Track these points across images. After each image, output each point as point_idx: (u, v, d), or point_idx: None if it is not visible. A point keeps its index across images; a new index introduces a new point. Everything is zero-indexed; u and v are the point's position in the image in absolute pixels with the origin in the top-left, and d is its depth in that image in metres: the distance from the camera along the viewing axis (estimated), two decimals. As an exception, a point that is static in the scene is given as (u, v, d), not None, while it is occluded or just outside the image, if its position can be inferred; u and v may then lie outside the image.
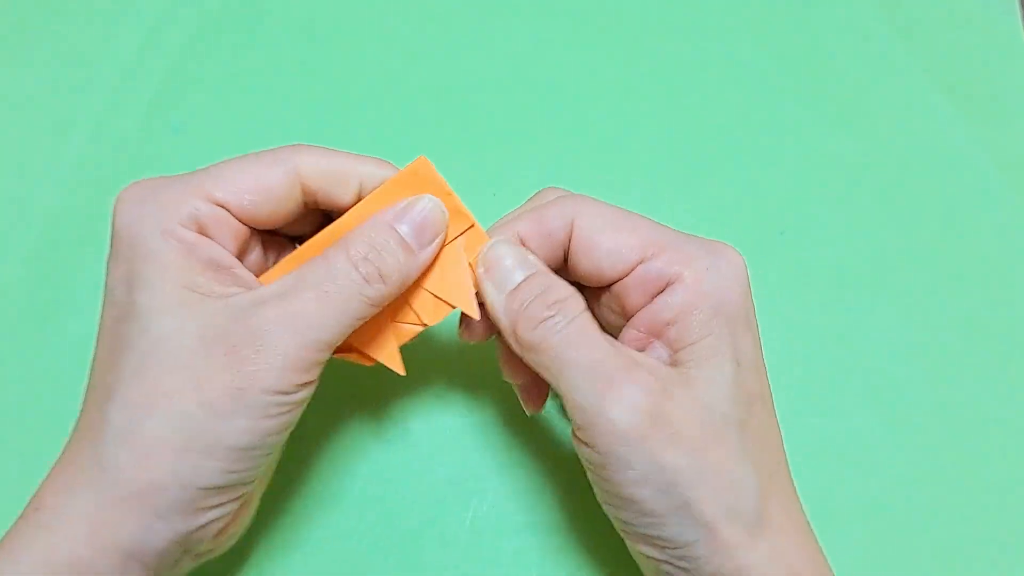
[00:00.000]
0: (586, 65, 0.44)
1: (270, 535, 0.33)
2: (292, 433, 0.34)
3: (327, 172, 0.27)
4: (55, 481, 0.25)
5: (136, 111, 0.42)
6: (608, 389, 0.25)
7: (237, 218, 0.27)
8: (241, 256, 0.28)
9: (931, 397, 0.36)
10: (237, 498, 0.26)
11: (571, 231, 0.28)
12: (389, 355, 0.29)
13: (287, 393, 0.25)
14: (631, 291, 0.27)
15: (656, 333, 0.27)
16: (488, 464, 0.34)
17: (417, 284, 0.28)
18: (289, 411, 0.25)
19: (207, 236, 0.26)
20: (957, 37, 0.44)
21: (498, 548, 0.33)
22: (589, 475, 0.27)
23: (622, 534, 0.27)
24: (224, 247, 0.27)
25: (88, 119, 0.42)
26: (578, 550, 0.33)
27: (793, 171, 0.41)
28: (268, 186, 0.27)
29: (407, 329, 0.29)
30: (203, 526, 0.25)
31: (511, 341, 0.27)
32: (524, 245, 0.28)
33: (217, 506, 0.25)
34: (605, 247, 0.27)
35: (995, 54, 0.44)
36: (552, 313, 0.26)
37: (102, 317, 0.26)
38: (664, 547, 0.25)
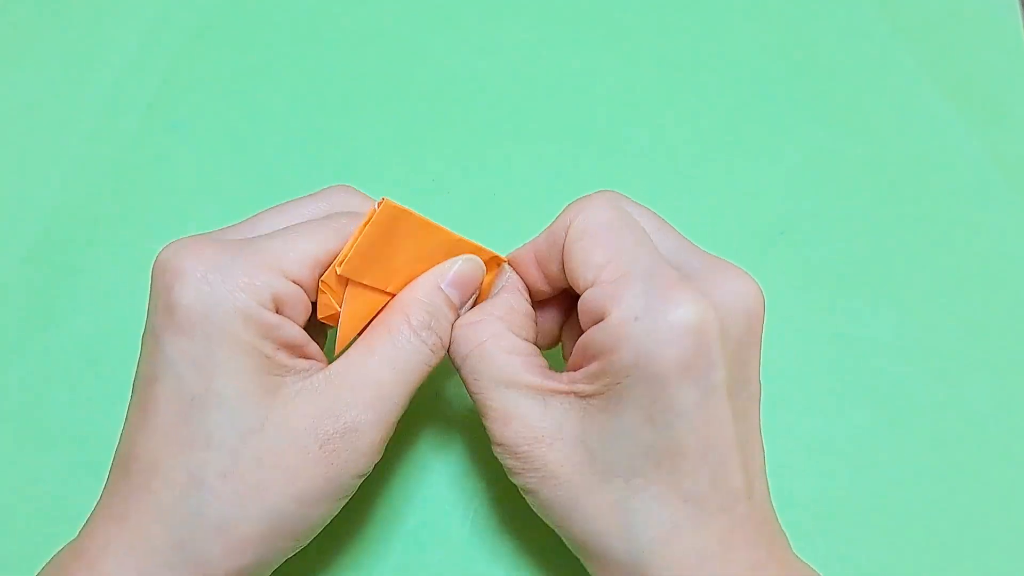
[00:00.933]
0: (586, 65, 0.44)
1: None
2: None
3: None
4: (127, 566, 0.23)
5: (136, 111, 0.42)
6: (501, 426, 0.26)
7: (308, 294, 0.26)
8: (304, 327, 0.27)
9: (931, 397, 0.36)
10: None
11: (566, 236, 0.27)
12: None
13: (365, 475, 0.26)
14: (580, 312, 0.26)
15: (585, 364, 0.26)
16: (488, 464, 0.34)
17: None
18: (359, 485, 0.26)
19: (285, 315, 0.26)
20: (957, 37, 0.44)
21: (498, 548, 0.33)
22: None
23: None
24: (298, 324, 0.26)
25: (88, 119, 0.42)
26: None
27: (793, 171, 0.41)
28: (332, 258, 0.27)
29: None
30: None
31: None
32: (536, 258, 0.29)
33: (271, 571, 0.26)
34: (577, 257, 0.26)
35: (995, 54, 0.44)
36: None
37: (161, 393, 0.24)
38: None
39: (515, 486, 0.31)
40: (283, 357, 0.25)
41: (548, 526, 0.33)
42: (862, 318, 0.37)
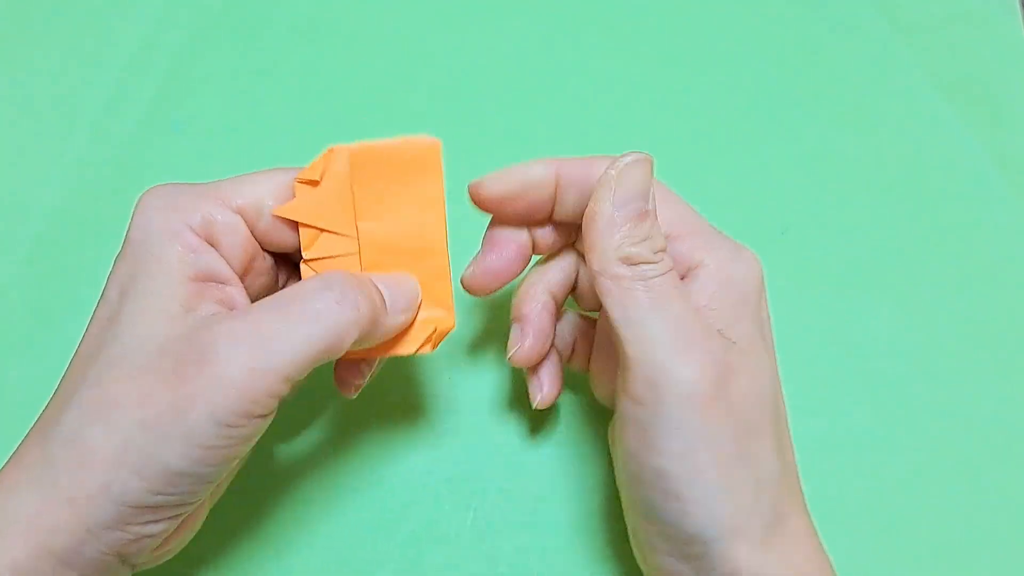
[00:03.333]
0: (586, 64, 0.44)
1: (269, 536, 0.33)
2: (290, 430, 0.35)
3: None
4: (3, 481, 0.23)
5: (136, 111, 0.42)
6: (686, 350, 0.24)
7: (252, 229, 0.26)
8: (245, 274, 0.27)
9: (933, 397, 0.36)
10: (172, 517, 0.24)
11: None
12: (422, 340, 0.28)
13: (231, 426, 0.22)
14: None
15: None
16: (489, 464, 0.34)
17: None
18: (232, 445, 0.23)
19: (216, 245, 0.26)
20: (957, 37, 0.44)
21: (499, 548, 0.33)
22: (624, 444, 0.25)
23: (635, 531, 0.27)
24: (231, 259, 0.26)
25: (88, 119, 0.42)
26: (579, 550, 0.33)
27: (794, 171, 0.41)
28: (287, 195, 0.27)
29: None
30: (135, 541, 0.24)
31: (594, 263, 0.25)
32: (560, 175, 0.28)
33: (150, 523, 0.23)
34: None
35: (995, 54, 0.44)
36: (657, 260, 0.25)
37: (91, 316, 0.26)
38: (680, 553, 0.25)
39: (516, 485, 0.32)
40: (201, 290, 0.25)
41: (548, 526, 0.33)
42: (861, 317, 0.37)
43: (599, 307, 0.28)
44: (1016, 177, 0.41)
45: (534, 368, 0.30)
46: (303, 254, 0.27)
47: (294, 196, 0.27)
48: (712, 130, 0.42)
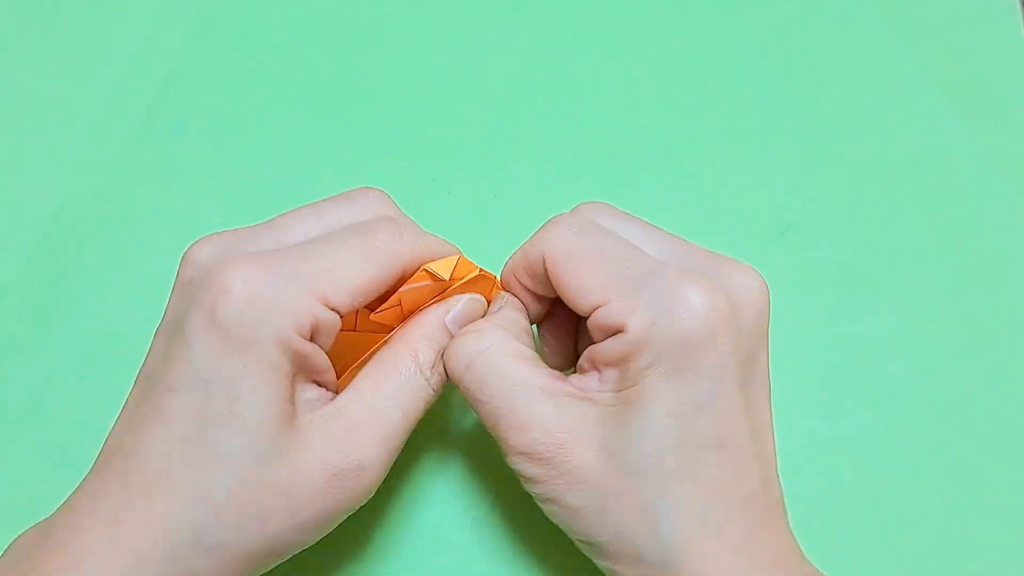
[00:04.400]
0: (586, 64, 0.44)
1: (271, 535, 0.33)
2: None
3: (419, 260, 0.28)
4: (106, 566, 0.23)
5: (136, 111, 0.42)
6: (518, 433, 0.26)
7: (343, 318, 0.27)
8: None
9: (931, 397, 0.36)
10: None
11: (544, 266, 0.28)
12: None
13: (345, 512, 0.26)
14: (591, 331, 0.27)
15: (598, 365, 0.27)
16: (489, 464, 0.34)
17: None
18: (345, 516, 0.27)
19: (316, 341, 0.26)
20: (957, 37, 0.44)
21: (499, 548, 0.33)
22: None
23: None
24: (325, 348, 0.26)
25: (89, 119, 0.42)
26: (579, 551, 0.33)
27: (794, 171, 0.41)
28: (379, 287, 0.27)
29: None
30: None
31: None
32: (519, 281, 0.30)
33: None
34: (571, 286, 0.27)
35: (995, 54, 0.44)
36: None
37: (182, 404, 0.24)
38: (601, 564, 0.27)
39: (520, 493, 0.31)
40: (301, 380, 0.26)
41: (548, 531, 0.33)
42: (862, 318, 0.37)
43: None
44: (1016, 177, 0.41)
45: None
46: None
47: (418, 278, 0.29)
48: (712, 130, 0.42)
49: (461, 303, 0.29)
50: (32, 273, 0.38)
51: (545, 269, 0.27)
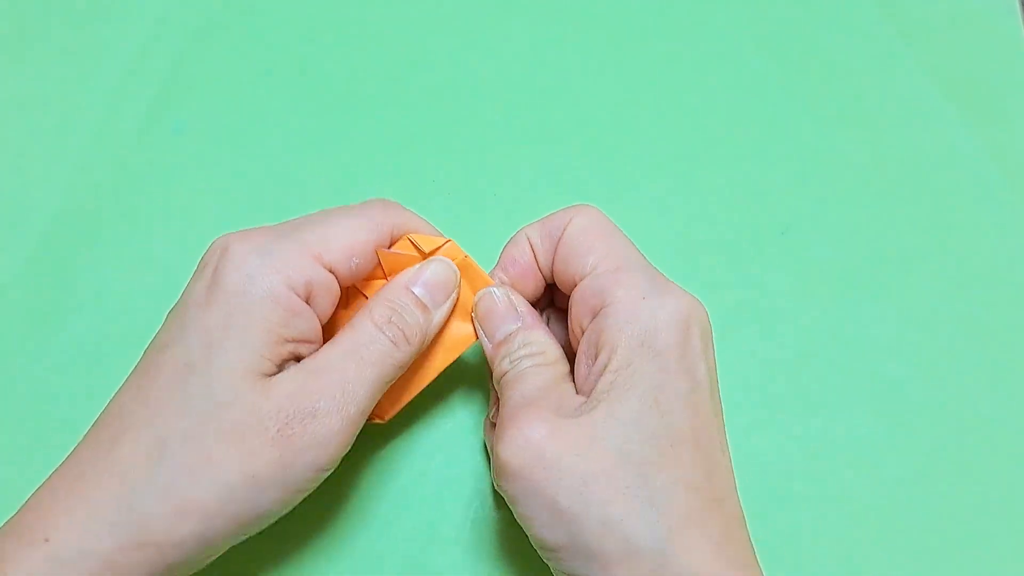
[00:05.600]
0: (586, 64, 0.44)
1: (269, 536, 0.33)
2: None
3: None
4: (72, 513, 0.24)
5: (136, 111, 0.42)
6: (501, 429, 0.26)
7: (340, 281, 0.28)
8: (326, 318, 0.28)
9: (931, 397, 0.36)
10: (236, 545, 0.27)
11: (564, 231, 0.29)
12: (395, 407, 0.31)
13: (328, 469, 0.26)
14: (576, 303, 0.28)
15: (592, 359, 0.27)
16: (488, 464, 0.34)
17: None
18: (320, 480, 0.26)
19: (311, 302, 0.27)
20: (957, 37, 0.44)
21: (499, 548, 0.33)
22: None
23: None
24: (321, 312, 0.27)
25: (89, 119, 0.42)
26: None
27: (794, 171, 0.41)
28: (372, 250, 0.28)
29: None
30: (203, 568, 0.26)
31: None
32: (531, 246, 0.30)
33: (214, 556, 0.26)
34: (577, 249, 0.28)
35: (995, 54, 0.44)
36: (509, 368, 0.28)
37: (166, 359, 0.26)
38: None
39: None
40: (289, 350, 0.26)
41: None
42: (862, 318, 0.37)
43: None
44: (1016, 177, 0.41)
45: None
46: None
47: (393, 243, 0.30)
48: (712, 130, 0.42)
49: (429, 269, 0.29)
50: (32, 273, 0.38)
51: (560, 238, 0.29)
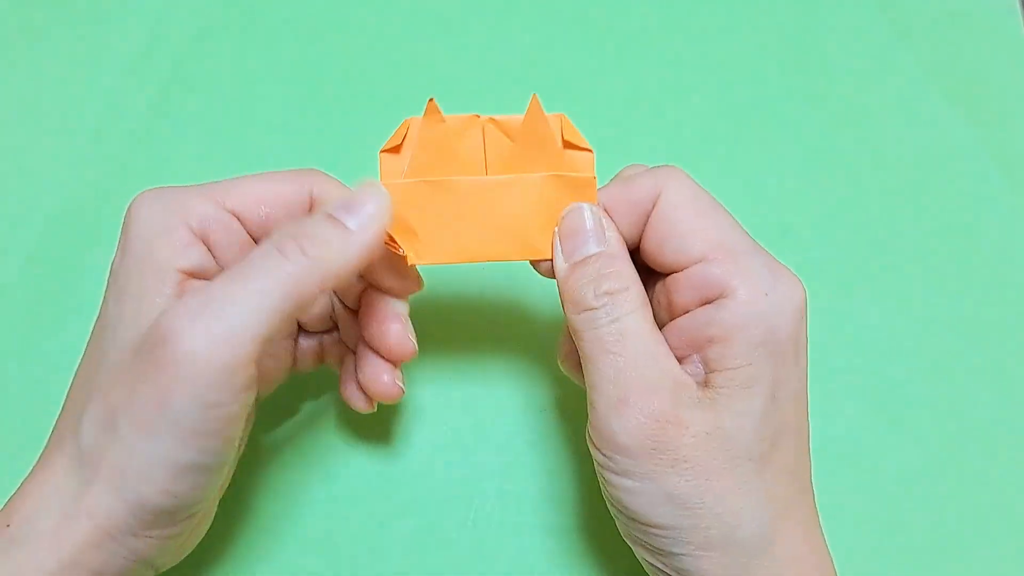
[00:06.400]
0: (585, 65, 0.44)
1: (269, 536, 0.33)
2: (290, 433, 0.34)
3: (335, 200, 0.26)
4: (27, 495, 0.24)
5: (137, 111, 0.42)
6: (622, 405, 0.24)
7: (248, 230, 0.27)
8: None
9: (933, 398, 0.36)
10: (188, 517, 0.25)
11: (656, 203, 0.26)
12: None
13: (216, 405, 0.22)
14: (682, 288, 0.26)
15: (697, 347, 0.25)
16: (489, 464, 0.34)
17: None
18: (225, 427, 0.23)
19: (210, 245, 0.26)
20: (957, 37, 0.44)
21: (500, 548, 0.33)
22: (596, 469, 0.26)
23: (623, 535, 0.27)
24: (222, 259, 0.26)
25: (89, 119, 0.42)
26: (580, 551, 0.33)
27: (794, 172, 0.41)
28: (282, 200, 0.27)
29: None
30: (157, 543, 0.24)
31: (565, 312, 0.26)
32: (607, 213, 0.27)
33: (167, 525, 0.24)
34: (679, 229, 0.25)
35: (995, 54, 0.44)
36: (599, 305, 0.25)
37: (96, 323, 0.27)
38: (660, 557, 0.25)
39: (517, 485, 0.31)
40: (189, 287, 0.25)
41: (549, 527, 0.33)
42: (862, 318, 0.37)
43: None
44: (1016, 177, 0.41)
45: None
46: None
47: (380, 166, 0.28)
48: (712, 130, 0.42)
49: (351, 193, 0.26)
50: (32, 273, 0.38)
51: (650, 209, 0.26)
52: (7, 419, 0.35)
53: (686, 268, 0.26)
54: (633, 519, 0.25)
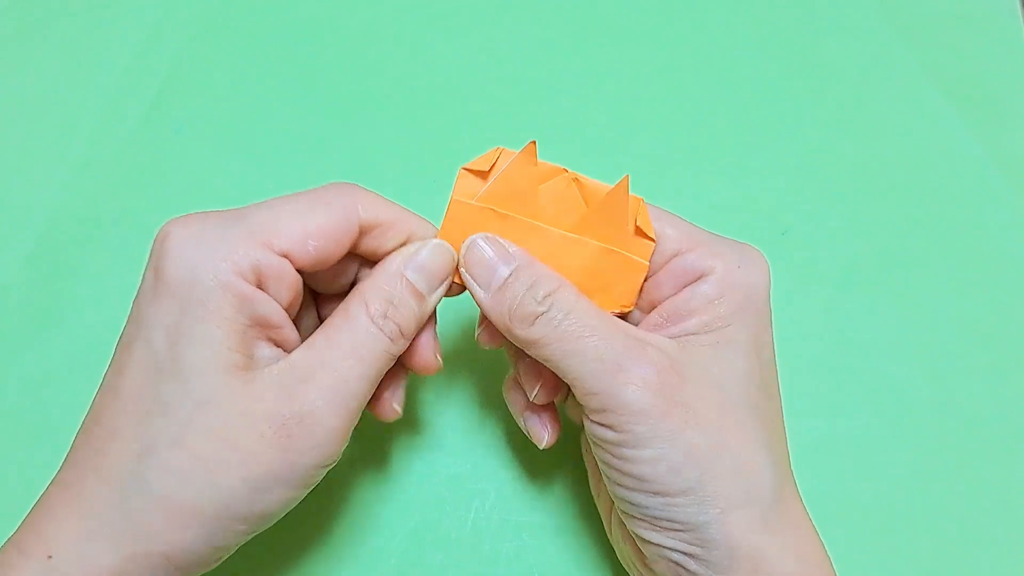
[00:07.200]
0: (586, 65, 0.44)
1: (269, 536, 0.33)
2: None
3: (382, 221, 0.27)
4: (71, 529, 0.24)
5: (137, 111, 0.42)
6: (619, 372, 0.25)
7: (297, 268, 0.26)
8: (292, 307, 0.27)
9: (933, 398, 0.36)
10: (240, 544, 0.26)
11: None
12: None
13: (329, 465, 0.26)
14: (663, 284, 0.28)
15: (676, 320, 0.27)
16: (489, 464, 0.34)
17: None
18: (324, 475, 0.26)
19: (265, 289, 0.25)
20: (957, 37, 0.44)
21: (499, 548, 0.33)
22: (601, 457, 0.26)
23: (631, 524, 0.27)
24: (279, 301, 0.26)
25: (89, 120, 0.42)
26: (579, 551, 0.33)
27: (794, 171, 0.41)
28: (331, 234, 0.26)
29: None
30: (209, 570, 0.26)
31: (511, 339, 0.27)
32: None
33: (226, 556, 0.26)
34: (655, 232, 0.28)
35: (995, 54, 0.44)
36: (546, 307, 0.26)
37: (132, 358, 0.25)
38: (676, 531, 0.25)
39: (516, 485, 0.31)
40: (255, 335, 0.25)
41: (548, 527, 0.33)
42: (862, 318, 0.37)
43: None
44: (1016, 177, 0.41)
45: (534, 411, 0.31)
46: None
47: (456, 181, 0.28)
48: (712, 131, 0.42)
49: (426, 250, 0.27)
50: (32, 273, 0.38)
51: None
52: (7, 419, 0.35)
53: (662, 268, 0.28)
54: (658, 493, 0.25)
